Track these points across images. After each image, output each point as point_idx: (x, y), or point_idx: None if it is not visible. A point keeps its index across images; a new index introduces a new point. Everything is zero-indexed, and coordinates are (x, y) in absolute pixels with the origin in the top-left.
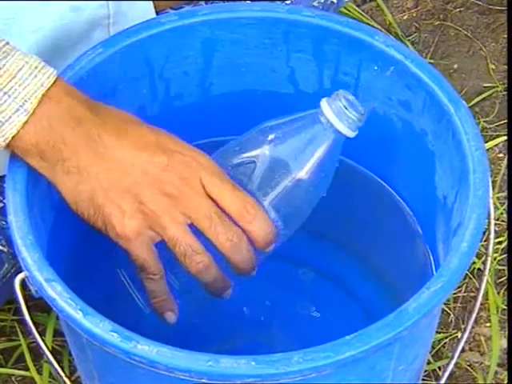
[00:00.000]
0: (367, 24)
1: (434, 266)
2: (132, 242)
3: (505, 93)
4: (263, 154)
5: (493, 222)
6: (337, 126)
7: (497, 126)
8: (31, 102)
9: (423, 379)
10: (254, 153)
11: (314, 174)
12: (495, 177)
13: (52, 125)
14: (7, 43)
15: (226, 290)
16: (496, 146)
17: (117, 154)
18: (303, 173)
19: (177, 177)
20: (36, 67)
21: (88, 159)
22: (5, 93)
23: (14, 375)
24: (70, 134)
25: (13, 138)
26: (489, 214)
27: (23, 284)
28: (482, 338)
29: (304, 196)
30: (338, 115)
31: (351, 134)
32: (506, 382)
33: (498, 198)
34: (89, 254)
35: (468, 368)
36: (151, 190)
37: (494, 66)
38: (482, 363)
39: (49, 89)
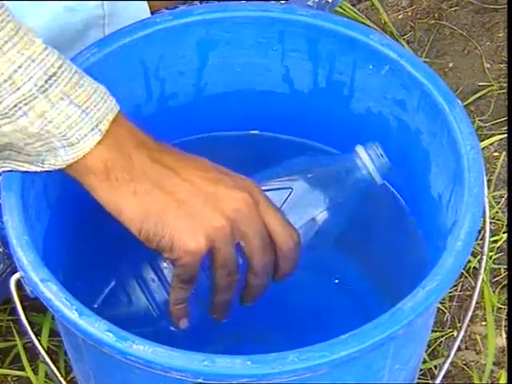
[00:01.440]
0: (362, 23)
1: (430, 265)
2: (194, 257)
3: (500, 91)
4: (301, 183)
5: (488, 220)
6: (372, 172)
7: (492, 124)
8: (104, 124)
9: (419, 378)
10: (292, 180)
11: (339, 213)
12: (490, 175)
13: (121, 146)
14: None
15: (226, 315)
16: (491, 144)
17: (183, 175)
18: (331, 209)
19: (240, 198)
20: (105, 93)
21: (155, 180)
22: (83, 111)
23: (9, 375)
24: (136, 156)
25: (84, 155)
26: (484, 213)
27: (19, 284)
28: (478, 337)
29: (323, 234)
30: (374, 162)
31: (380, 181)
32: (501, 380)
33: (493, 196)
34: (84, 253)
35: (464, 367)
36: (218, 208)
37: (489, 65)
38: (477, 362)
39: (116, 114)
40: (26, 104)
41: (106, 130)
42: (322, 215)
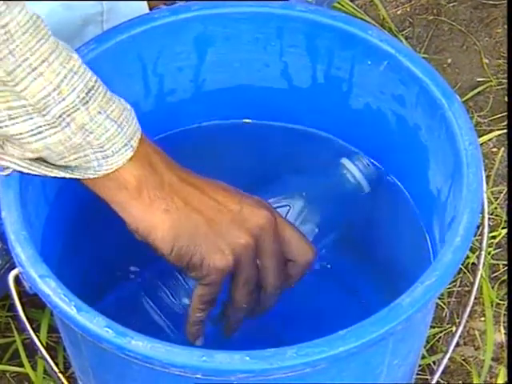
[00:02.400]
0: (361, 19)
1: (432, 260)
2: (220, 275)
3: (498, 87)
4: (298, 201)
5: (487, 216)
6: (361, 182)
7: (491, 120)
8: (134, 141)
9: (418, 374)
10: (288, 198)
11: (335, 221)
12: (489, 171)
13: (151, 164)
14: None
15: (235, 331)
16: (490, 140)
17: (209, 194)
18: (327, 220)
19: (263, 215)
20: (132, 111)
21: (185, 198)
22: (118, 125)
23: (8, 371)
24: (166, 174)
25: (117, 169)
26: (483, 209)
27: (17, 280)
28: (477, 333)
29: (321, 240)
30: (362, 172)
31: (368, 189)
32: (500, 376)
33: (492, 192)
34: (83, 248)
35: (462, 362)
36: (244, 226)
37: (487, 61)
38: (476, 357)
39: (142, 133)
40: (68, 115)
41: (136, 146)
42: (319, 226)
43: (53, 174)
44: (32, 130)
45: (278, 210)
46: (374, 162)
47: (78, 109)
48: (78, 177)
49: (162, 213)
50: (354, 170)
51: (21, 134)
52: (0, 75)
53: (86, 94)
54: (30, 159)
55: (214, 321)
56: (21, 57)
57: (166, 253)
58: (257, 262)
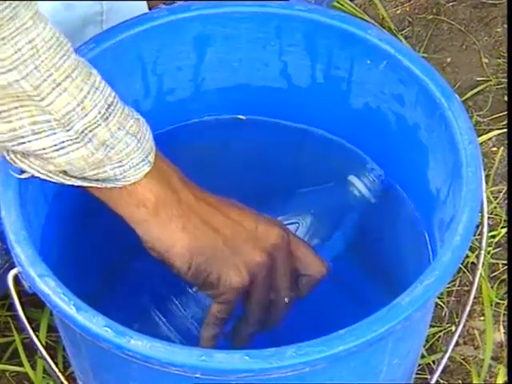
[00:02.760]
0: (360, 18)
1: (432, 260)
2: (236, 293)
3: (498, 86)
4: (305, 218)
5: (486, 215)
6: (368, 197)
7: (490, 119)
8: (151, 156)
9: (417, 373)
10: (297, 216)
11: (342, 235)
12: (489, 171)
13: (168, 181)
14: None
15: (244, 345)
16: (489, 139)
17: (225, 212)
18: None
19: (278, 233)
20: (148, 127)
21: (201, 216)
22: (138, 140)
23: (8, 371)
24: (183, 192)
25: (136, 186)
26: (482, 208)
27: (16, 280)
28: (476, 332)
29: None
30: (369, 189)
31: (373, 200)
32: (500, 376)
33: (491, 191)
34: (82, 248)
35: (462, 362)
36: (259, 244)
37: (487, 60)
38: (476, 357)
39: (156, 150)
40: (90, 131)
41: (153, 161)
42: (327, 241)
43: (70, 183)
44: (55, 145)
45: (288, 227)
46: (376, 168)
47: (100, 124)
48: (96, 185)
49: (179, 231)
50: (361, 187)
51: (44, 148)
52: (27, 89)
53: (106, 109)
54: (51, 171)
55: (226, 335)
56: (46, 72)
57: (183, 271)
58: (270, 279)
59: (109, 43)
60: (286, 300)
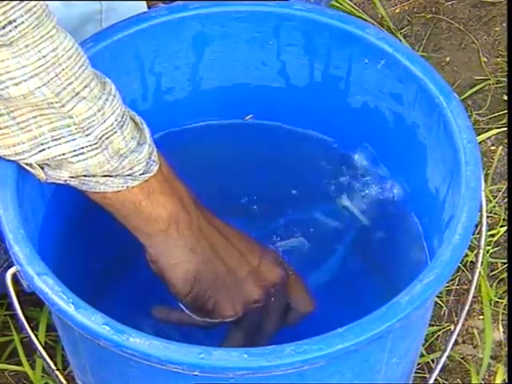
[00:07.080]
0: (359, 17)
1: (429, 259)
2: (224, 322)
3: (497, 85)
4: (302, 242)
5: (485, 214)
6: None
7: (489, 118)
8: (154, 155)
9: (416, 372)
10: (293, 238)
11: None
12: (488, 169)
13: (181, 200)
14: None
15: None
16: (488, 138)
17: (233, 242)
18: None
19: (278, 273)
20: (149, 133)
21: (211, 241)
22: (149, 145)
23: (7, 370)
24: (195, 213)
25: (150, 203)
26: (481, 207)
27: (15, 278)
28: (475, 331)
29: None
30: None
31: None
32: (498, 374)
33: (490, 190)
34: (80, 247)
35: (461, 360)
36: (259, 282)
37: (486, 59)
38: (475, 356)
39: (169, 165)
40: (107, 138)
41: (157, 160)
42: (324, 260)
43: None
44: (75, 151)
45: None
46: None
47: (116, 132)
48: (104, 190)
49: (188, 251)
50: (353, 209)
51: (63, 154)
52: (48, 96)
53: (122, 117)
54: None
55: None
56: (66, 80)
57: (182, 293)
58: (261, 314)
59: (107, 42)
60: (273, 329)
